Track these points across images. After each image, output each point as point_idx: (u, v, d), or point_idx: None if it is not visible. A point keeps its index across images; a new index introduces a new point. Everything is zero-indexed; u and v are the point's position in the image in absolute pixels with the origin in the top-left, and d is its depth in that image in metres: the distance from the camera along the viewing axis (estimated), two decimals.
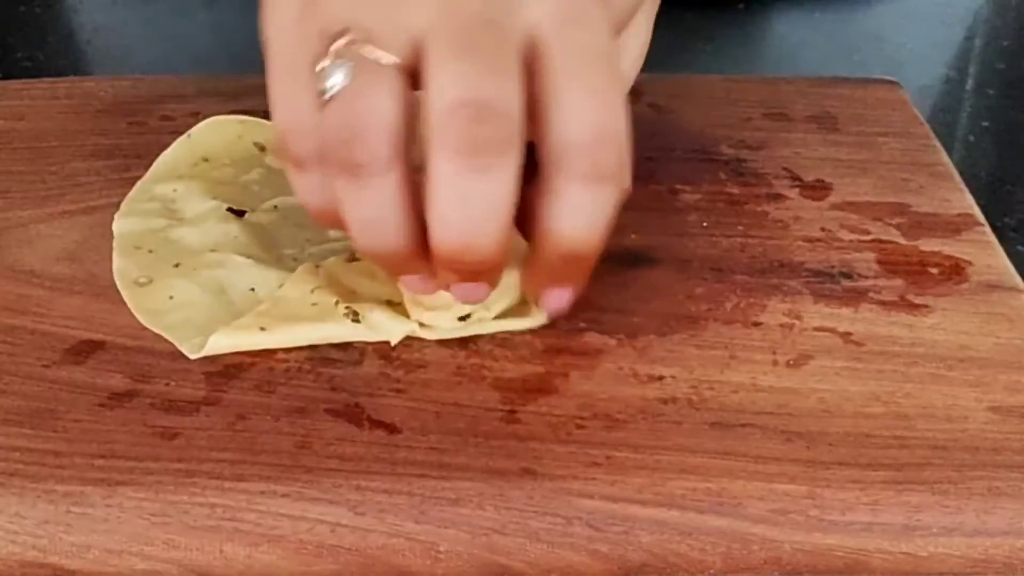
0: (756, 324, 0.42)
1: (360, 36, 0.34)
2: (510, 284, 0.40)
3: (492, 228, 0.35)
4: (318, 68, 0.35)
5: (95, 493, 0.35)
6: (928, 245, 0.46)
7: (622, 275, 0.44)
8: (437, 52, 0.34)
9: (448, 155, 0.34)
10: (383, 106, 0.34)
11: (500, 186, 0.34)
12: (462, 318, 0.41)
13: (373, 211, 0.35)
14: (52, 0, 0.76)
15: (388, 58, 0.34)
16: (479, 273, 0.36)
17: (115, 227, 0.46)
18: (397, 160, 0.35)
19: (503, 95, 0.34)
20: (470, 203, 0.34)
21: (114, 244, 0.45)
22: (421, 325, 0.40)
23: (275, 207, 0.47)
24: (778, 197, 0.49)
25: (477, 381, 0.39)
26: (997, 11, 0.75)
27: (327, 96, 0.34)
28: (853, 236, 0.46)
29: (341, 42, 0.34)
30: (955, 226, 0.47)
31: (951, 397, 0.39)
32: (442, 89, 0.34)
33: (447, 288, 0.38)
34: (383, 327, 0.40)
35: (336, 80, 0.34)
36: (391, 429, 0.37)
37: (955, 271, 0.44)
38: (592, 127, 0.35)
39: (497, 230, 0.35)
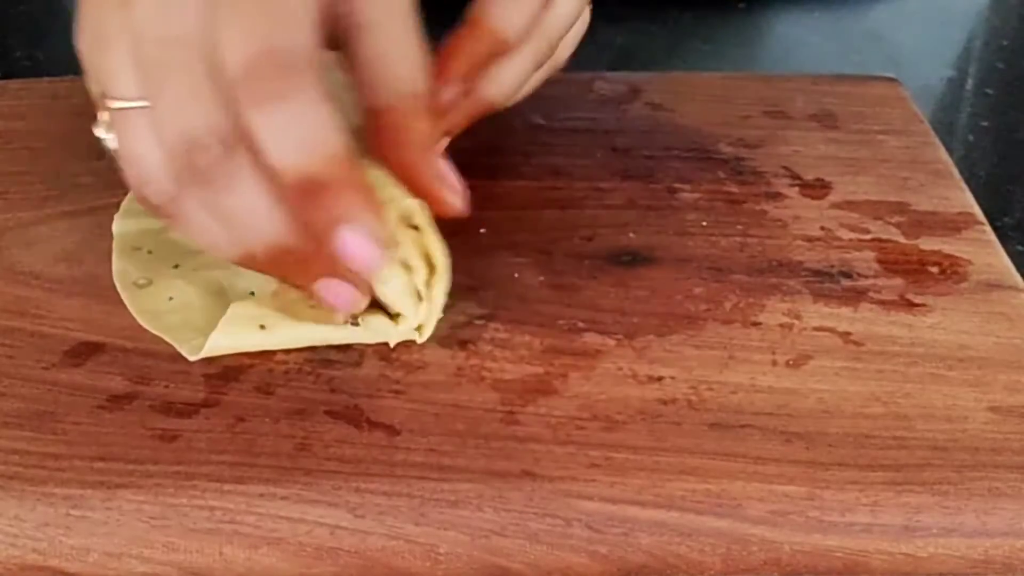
0: (755, 324, 0.42)
1: (108, 92, 0.37)
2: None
3: (249, 231, 0.37)
4: (97, 134, 0.38)
5: (94, 496, 0.35)
6: (928, 244, 0.46)
7: (621, 275, 0.44)
8: (139, 84, 0.36)
9: (187, 189, 0.37)
10: (141, 150, 0.37)
11: (240, 197, 0.36)
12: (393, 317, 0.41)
13: (194, 234, 0.38)
14: (52, 0, 0.76)
15: (131, 104, 0.37)
16: (302, 269, 0.39)
17: (114, 227, 0.46)
18: (186, 187, 0.37)
19: (195, 118, 0.36)
20: (224, 220, 0.37)
21: (113, 245, 0.45)
22: (418, 329, 0.41)
23: None
24: (777, 196, 0.49)
25: (476, 382, 0.39)
26: (997, 11, 0.75)
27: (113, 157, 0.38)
28: (853, 235, 0.46)
29: (102, 105, 0.38)
30: (955, 225, 0.47)
31: (951, 397, 0.39)
32: (157, 124, 0.36)
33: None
34: (381, 330, 0.40)
35: (109, 142, 0.38)
36: (390, 431, 0.37)
37: (955, 270, 0.44)
38: (239, 59, 0.36)
39: (252, 231, 0.37)
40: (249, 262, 0.39)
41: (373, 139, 0.40)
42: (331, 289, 0.38)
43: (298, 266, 0.38)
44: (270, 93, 0.35)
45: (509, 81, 0.46)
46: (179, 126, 0.36)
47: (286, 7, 0.36)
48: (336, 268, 0.37)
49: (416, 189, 0.40)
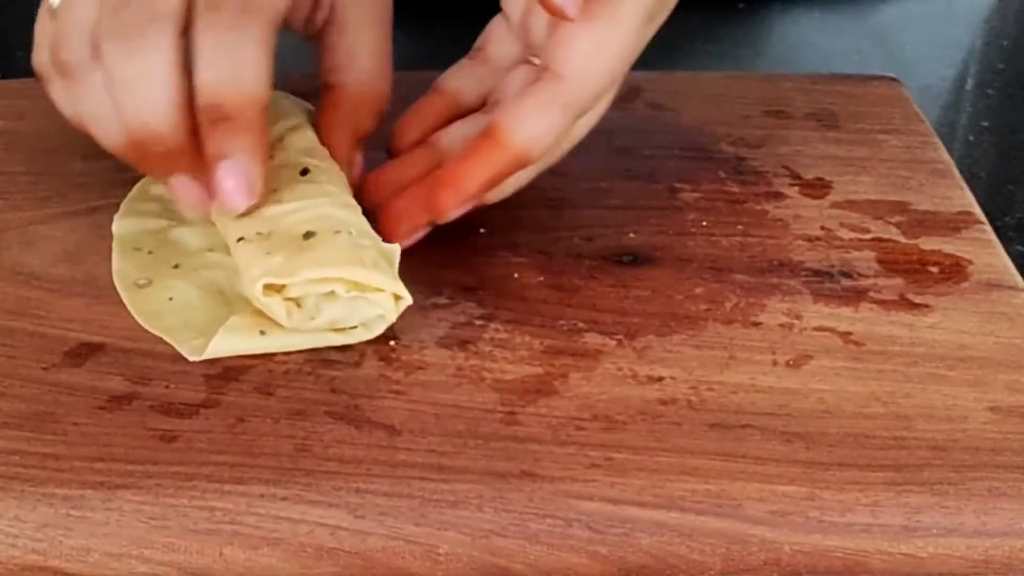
0: (756, 324, 0.42)
1: None
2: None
3: (140, 103, 0.39)
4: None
5: (95, 496, 0.35)
6: (928, 244, 0.46)
7: (621, 275, 0.44)
8: None
9: (106, 42, 0.40)
10: (83, 11, 0.40)
11: (149, 61, 0.39)
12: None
13: (87, 104, 0.41)
14: None
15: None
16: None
17: (114, 228, 0.46)
18: (105, 40, 0.39)
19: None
20: (123, 85, 0.39)
21: (113, 245, 0.45)
22: (397, 298, 0.40)
23: None
24: (778, 195, 0.49)
25: (476, 383, 0.39)
26: (997, 11, 0.75)
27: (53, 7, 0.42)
28: (853, 235, 0.46)
29: None
30: (955, 224, 0.47)
31: (951, 397, 0.39)
32: None
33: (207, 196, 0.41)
34: (374, 325, 0.40)
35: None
36: (391, 431, 0.37)
37: (955, 270, 0.44)
38: None
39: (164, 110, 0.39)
40: (121, 147, 0.40)
41: (321, 108, 0.46)
42: (184, 186, 0.41)
43: (164, 158, 0.40)
44: (227, 21, 0.38)
45: (511, 187, 0.45)
46: None
47: None
48: (195, 169, 0.40)
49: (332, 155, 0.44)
